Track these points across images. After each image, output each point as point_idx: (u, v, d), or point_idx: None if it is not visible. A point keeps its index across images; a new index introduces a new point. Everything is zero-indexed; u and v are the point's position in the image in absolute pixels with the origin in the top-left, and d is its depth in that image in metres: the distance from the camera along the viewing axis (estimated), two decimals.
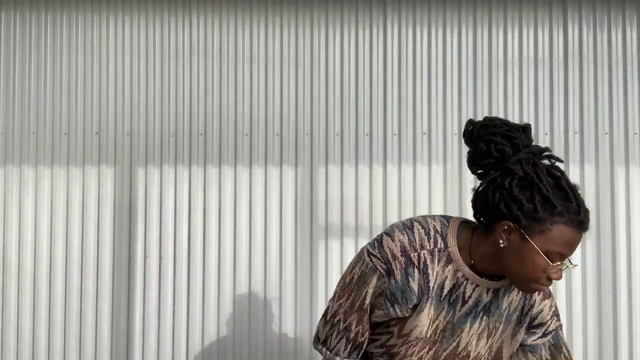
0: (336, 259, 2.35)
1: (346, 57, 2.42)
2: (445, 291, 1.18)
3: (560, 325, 1.33)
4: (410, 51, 2.42)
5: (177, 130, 2.41)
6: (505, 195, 1.13)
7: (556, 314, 1.32)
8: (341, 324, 1.24)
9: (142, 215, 2.40)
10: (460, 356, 1.25)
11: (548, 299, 1.28)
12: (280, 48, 2.43)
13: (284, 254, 2.37)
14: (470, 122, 1.25)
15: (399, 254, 1.16)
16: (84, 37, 2.44)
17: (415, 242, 1.17)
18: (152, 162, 2.41)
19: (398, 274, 1.16)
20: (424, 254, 1.16)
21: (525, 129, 1.22)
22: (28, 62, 2.44)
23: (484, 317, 1.21)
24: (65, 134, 2.42)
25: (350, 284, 1.22)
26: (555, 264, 1.08)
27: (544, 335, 1.30)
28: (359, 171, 2.37)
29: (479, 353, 1.26)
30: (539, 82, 2.39)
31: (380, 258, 1.17)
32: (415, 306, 1.17)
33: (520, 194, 1.11)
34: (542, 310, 1.28)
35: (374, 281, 1.18)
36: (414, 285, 1.16)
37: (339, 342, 1.24)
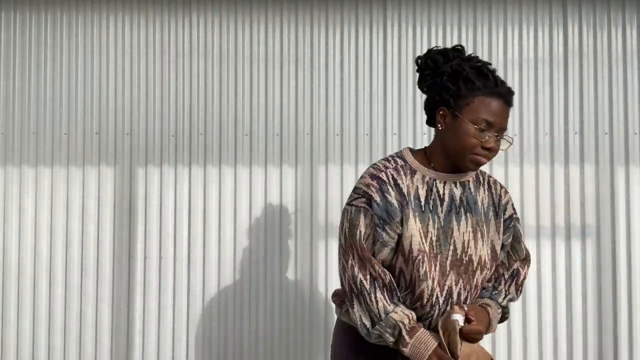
0: (336, 259, 2.35)
1: (346, 57, 2.42)
2: (423, 200, 1.35)
3: (518, 219, 1.50)
4: (410, 51, 2.41)
5: (177, 130, 2.42)
6: (438, 88, 1.34)
7: (513, 208, 1.48)
8: (366, 284, 1.33)
9: (142, 215, 2.40)
10: (464, 262, 1.36)
11: (507, 193, 1.47)
12: (280, 48, 2.43)
13: (284, 253, 2.37)
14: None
15: (370, 181, 1.34)
16: (84, 37, 2.44)
17: (380, 167, 1.37)
18: (152, 162, 2.41)
19: (377, 196, 1.33)
20: (389, 171, 1.35)
21: (457, 48, 1.38)
22: (28, 62, 2.44)
23: (468, 214, 1.36)
24: (65, 134, 2.42)
25: (347, 241, 1.36)
26: (485, 133, 1.28)
27: (512, 227, 1.46)
28: (359, 171, 2.36)
29: (480, 257, 1.37)
30: (539, 82, 2.39)
31: (359, 196, 1.35)
32: (402, 220, 1.32)
33: (448, 82, 1.32)
34: (507, 202, 1.45)
35: (361, 219, 1.33)
36: (393, 200, 1.32)
37: (376, 299, 1.32)
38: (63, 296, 2.39)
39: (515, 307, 2.34)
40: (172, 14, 2.44)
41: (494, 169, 2.37)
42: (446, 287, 1.35)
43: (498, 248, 1.42)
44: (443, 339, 1.31)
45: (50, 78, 2.44)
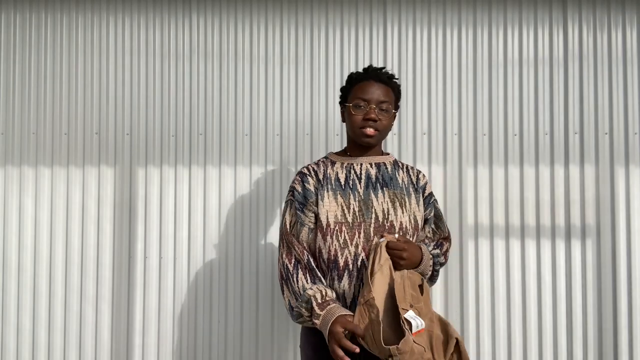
0: None
1: (346, 57, 2.42)
2: (343, 181, 1.60)
3: (436, 200, 1.75)
4: (410, 51, 2.42)
5: (177, 130, 2.42)
6: (340, 95, 1.71)
7: (431, 191, 1.73)
8: (290, 267, 1.55)
9: (142, 215, 2.40)
10: (386, 227, 1.55)
11: (425, 178, 1.72)
12: (280, 48, 2.43)
13: None
14: None
15: (296, 177, 1.65)
16: (84, 37, 2.44)
17: (305, 167, 1.68)
18: (152, 162, 2.41)
19: (298, 187, 1.62)
20: (311, 166, 1.65)
21: (366, 69, 1.67)
22: (28, 62, 2.44)
23: (384, 188, 1.60)
24: (65, 134, 2.42)
25: (280, 233, 1.62)
26: (363, 108, 1.58)
27: (432, 204, 1.71)
28: None
29: (401, 223, 1.59)
30: (539, 82, 2.39)
31: (288, 192, 1.65)
32: (316, 200, 1.59)
33: (343, 88, 1.69)
34: (425, 184, 1.70)
35: (288, 210, 1.62)
36: (310, 187, 1.60)
37: (298, 279, 1.53)
38: (63, 296, 2.39)
39: (515, 307, 2.34)
40: (172, 14, 2.44)
41: (493, 169, 2.37)
42: (359, 257, 1.54)
43: (419, 218, 1.64)
44: (370, 263, 1.43)
45: (50, 78, 2.44)
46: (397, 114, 1.78)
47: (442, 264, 1.67)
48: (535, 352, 2.33)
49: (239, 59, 2.43)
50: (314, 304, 1.46)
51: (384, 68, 1.67)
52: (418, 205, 1.64)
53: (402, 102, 2.40)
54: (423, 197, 1.68)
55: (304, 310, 1.48)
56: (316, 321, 1.45)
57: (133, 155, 2.41)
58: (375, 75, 1.62)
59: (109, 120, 2.42)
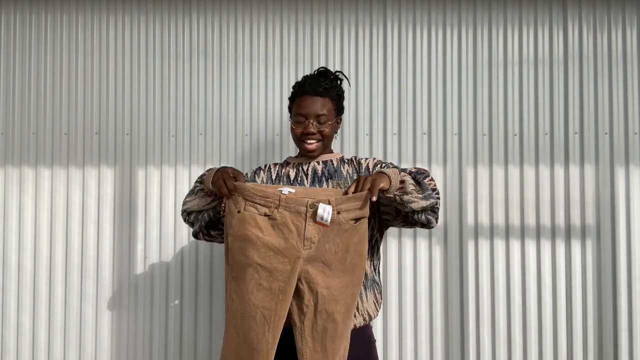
0: None
1: (346, 57, 2.42)
2: (292, 177, 1.73)
3: (388, 164, 1.75)
4: (410, 51, 2.42)
5: (177, 130, 2.42)
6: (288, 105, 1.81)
7: (376, 161, 1.75)
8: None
9: (142, 215, 2.40)
10: None
11: (369, 160, 1.76)
12: (280, 48, 2.43)
13: None
14: None
15: (253, 170, 1.82)
16: (84, 37, 2.44)
17: (266, 163, 1.92)
18: (152, 162, 2.41)
19: (249, 173, 1.80)
20: (271, 164, 1.81)
21: (304, 81, 1.73)
22: (28, 62, 2.44)
23: (329, 180, 1.70)
24: (65, 134, 2.42)
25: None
26: (303, 124, 1.68)
27: (382, 167, 1.74)
28: None
29: None
30: (539, 82, 2.39)
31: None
32: None
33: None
34: (366, 160, 1.75)
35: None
36: (258, 180, 1.76)
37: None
38: (63, 296, 2.39)
39: (515, 307, 2.34)
40: (172, 14, 2.44)
41: (493, 169, 2.37)
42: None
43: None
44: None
45: (50, 78, 2.44)
46: (342, 117, 1.78)
47: (423, 175, 1.60)
48: (535, 352, 2.33)
49: (239, 59, 2.43)
50: (203, 174, 1.62)
51: (324, 75, 1.70)
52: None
53: (403, 102, 2.40)
54: (366, 171, 1.71)
55: (197, 184, 1.61)
56: (204, 178, 1.58)
57: (133, 155, 2.41)
58: (311, 89, 1.67)
59: (109, 120, 2.42)
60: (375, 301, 1.69)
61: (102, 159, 2.42)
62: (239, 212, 1.47)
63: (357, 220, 1.49)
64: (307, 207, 1.45)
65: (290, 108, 1.76)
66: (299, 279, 1.45)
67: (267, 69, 2.42)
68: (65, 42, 2.44)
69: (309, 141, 1.69)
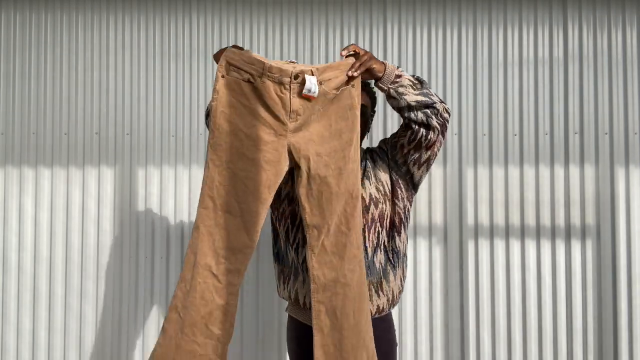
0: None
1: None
2: None
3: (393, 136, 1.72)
4: (410, 51, 2.42)
5: (177, 130, 2.42)
6: None
7: (384, 139, 1.77)
8: None
9: (142, 215, 2.40)
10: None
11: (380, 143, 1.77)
12: (280, 48, 2.43)
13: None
14: None
15: None
16: (84, 37, 2.44)
17: None
18: (152, 162, 2.41)
19: None
20: None
21: None
22: (28, 62, 2.44)
23: None
24: (65, 134, 2.42)
25: None
26: None
27: (387, 141, 1.75)
28: None
29: (370, 194, 1.65)
30: (539, 82, 2.39)
31: None
32: None
33: None
34: (380, 144, 1.76)
35: None
36: None
37: None
38: (63, 296, 2.39)
39: (515, 307, 2.34)
40: (172, 14, 2.44)
41: (493, 169, 2.37)
42: None
43: (387, 185, 1.66)
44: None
45: (50, 78, 2.44)
46: (373, 117, 1.81)
47: (420, 80, 1.60)
48: (535, 352, 2.33)
49: None
50: None
51: None
52: (385, 172, 1.68)
53: None
54: (387, 154, 1.70)
55: None
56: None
57: (133, 155, 2.41)
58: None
59: (109, 120, 2.42)
60: (402, 277, 1.69)
61: (102, 159, 2.41)
62: (222, 76, 1.45)
63: (338, 88, 1.48)
64: (290, 77, 1.43)
65: None
66: (288, 151, 1.44)
67: None
68: (65, 42, 2.44)
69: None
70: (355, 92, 1.49)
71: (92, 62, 2.43)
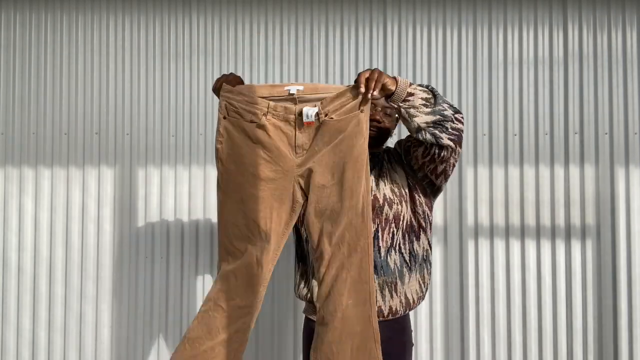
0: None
1: (346, 57, 2.42)
2: None
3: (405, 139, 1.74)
4: (410, 51, 2.42)
5: (177, 130, 2.42)
6: None
7: (399, 141, 1.78)
8: None
9: (142, 215, 2.40)
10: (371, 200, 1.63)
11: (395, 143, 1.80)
12: (280, 48, 2.43)
13: (287, 252, 2.37)
14: None
15: None
16: (84, 37, 2.44)
17: None
18: (152, 162, 2.41)
19: None
20: None
21: None
22: (28, 62, 2.44)
23: (372, 170, 1.68)
24: (65, 134, 2.42)
25: None
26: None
27: (402, 143, 1.77)
28: None
29: (384, 194, 1.66)
30: (539, 82, 2.39)
31: None
32: None
33: None
34: (397, 146, 1.78)
35: None
36: None
37: None
38: (63, 296, 2.39)
39: (515, 307, 2.34)
40: (172, 14, 2.44)
41: (493, 169, 2.37)
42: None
43: (404, 185, 1.66)
44: None
45: (50, 78, 2.44)
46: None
47: (435, 94, 1.56)
48: (535, 352, 2.33)
49: (239, 59, 2.43)
50: None
51: None
52: (401, 176, 1.68)
53: None
54: (402, 158, 1.70)
55: None
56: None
57: (133, 155, 2.41)
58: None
59: (109, 120, 2.42)
60: (421, 282, 1.67)
61: (102, 159, 2.41)
62: (224, 117, 1.45)
63: (346, 116, 1.47)
64: (295, 115, 1.44)
65: None
66: (294, 184, 1.44)
67: (267, 69, 2.42)
68: (65, 42, 2.44)
69: (371, 128, 1.64)
70: (364, 118, 1.46)
71: (92, 62, 2.43)
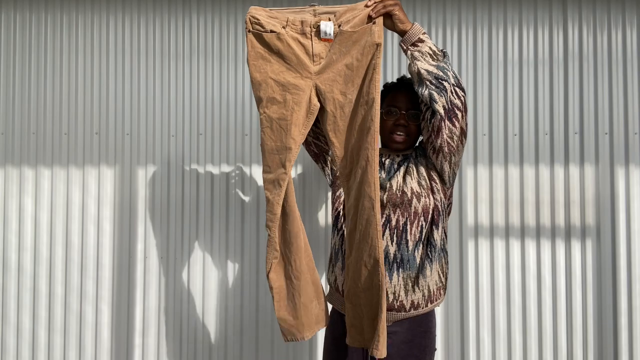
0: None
1: None
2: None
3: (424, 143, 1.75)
4: None
5: (177, 130, 2.42)
6: None
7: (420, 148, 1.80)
8: None
9: (142, 215, 2.40)
10: (399, 196, 1.66)
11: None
12: None
13: None
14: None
15: None
16: (84, 37, 2.44)
17: None
18: (152, 162, 2.41)
19: None
20: None
21: (400, 79, 1.81)
22: (28, 62, 2.44)
23: (400, 168, 1.73)
24: (65, 134, 2.43)
25: None
26: (393, 115, 1.71)
27: (420, 149, 1.79)
28: None
29: (411, 188, 1.68)
30: (539, 82, 2.39)
31: None
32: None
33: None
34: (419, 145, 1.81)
35: None
36: None
37: None
38: (63, 296, 2.39)
39: (515, 307, 2.34)
40: (172, 14, 2.44)
41: (493, 169, 2.37)
42: (384, 216, 1.64)
43: (426, 178, 1.68)
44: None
45: (50, 78, 2.44)
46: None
47: (444, 53, 1.58)
48: (535, 352, 2.33)
49: (239, 59, 2.43)
50: None
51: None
52: (424, 166, 1.69)
53: None
54: (424, 152, 1.71)
55: None
56: None
57: (133, 155, 2.41)
58: (403, 85, 1.75)
59: (109, 120, 2.42)
60: (440, 273, 1.68)
61: (102, 159, 2.42)
62: (249, 31, 1.59)
63: (359, 27, 1.56)
64: (311, 27, 1.56)
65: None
66: (315, 92, 1.58)
67: None
68: (66, 42, 2.44)
69: (398, 132, 1.70)
70: (376, 28, 1.54)
71: (92, 62, 2.43)
